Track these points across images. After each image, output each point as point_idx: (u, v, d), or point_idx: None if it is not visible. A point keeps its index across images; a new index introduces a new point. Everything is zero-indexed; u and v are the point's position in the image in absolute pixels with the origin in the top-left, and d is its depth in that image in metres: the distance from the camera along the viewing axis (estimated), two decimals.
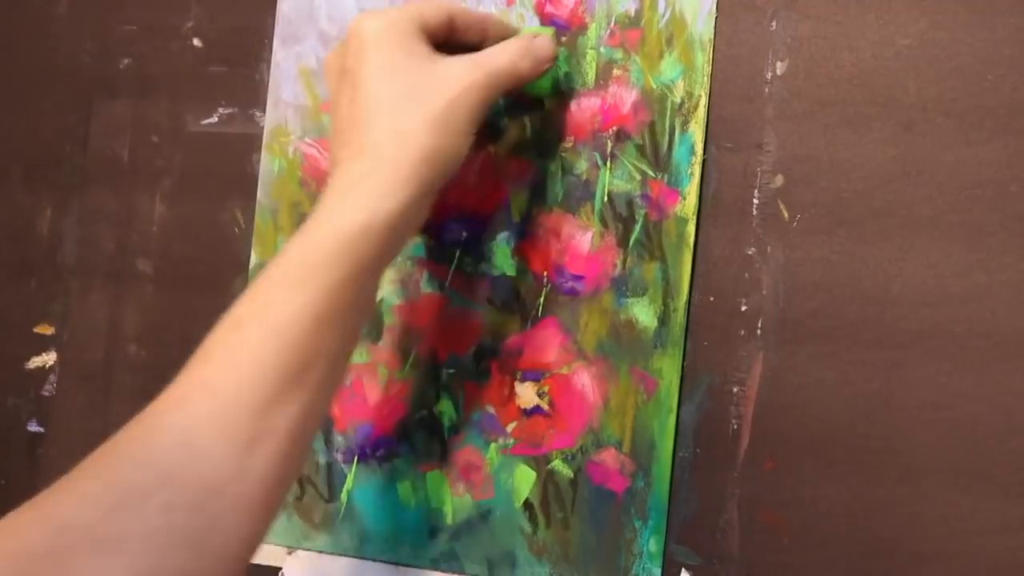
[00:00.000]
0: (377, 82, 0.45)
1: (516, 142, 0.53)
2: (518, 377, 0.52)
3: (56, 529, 0.37)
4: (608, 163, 0.52)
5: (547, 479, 0.52)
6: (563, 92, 0.52)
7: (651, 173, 0.51)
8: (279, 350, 0.41)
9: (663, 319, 0.50)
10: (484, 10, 0.54)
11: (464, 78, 0.45)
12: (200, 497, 0.39)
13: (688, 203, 0.50)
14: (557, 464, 0.51)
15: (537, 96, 0.52)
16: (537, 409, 0.52)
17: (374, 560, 0.54)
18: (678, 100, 0.51)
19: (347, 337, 0.44)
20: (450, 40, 0.48)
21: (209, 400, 0.40)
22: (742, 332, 0.50)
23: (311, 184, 0.56)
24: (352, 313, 0.43)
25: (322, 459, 0.55)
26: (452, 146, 0.45)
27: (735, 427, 0.49)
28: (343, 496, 0.54)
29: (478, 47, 0.48)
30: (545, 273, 0.52)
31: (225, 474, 0.39)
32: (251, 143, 0.58)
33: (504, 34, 0.49)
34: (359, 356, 0.55)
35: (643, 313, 0.51)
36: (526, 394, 0.52)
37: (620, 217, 0.51)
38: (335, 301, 0.42)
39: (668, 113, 0.51)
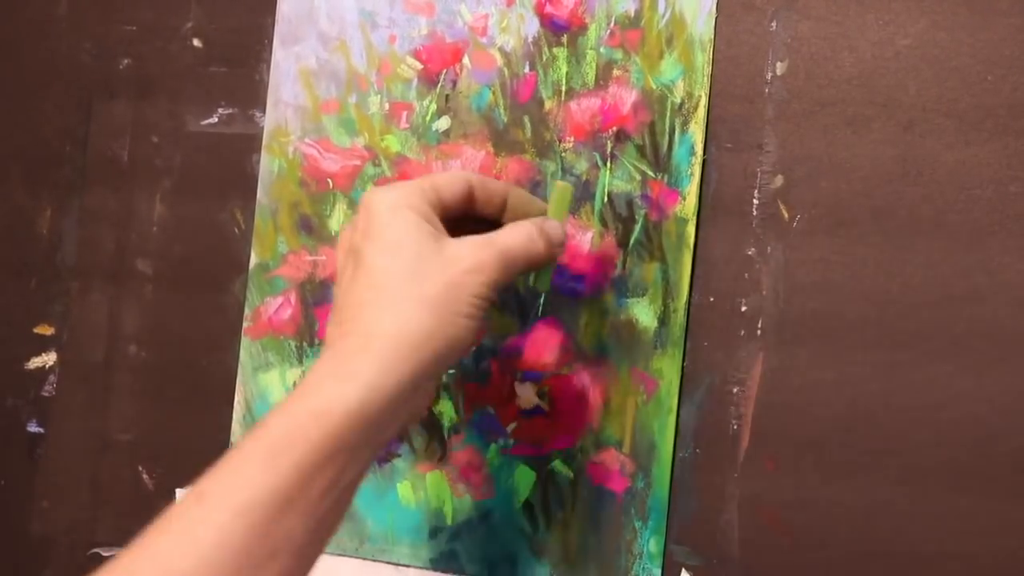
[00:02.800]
0: (379, 260, 0.42)
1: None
2: (518, 377, 0.52)
3: None
4: (608, 163, 0.52)
5: (547, 479, 0.52)
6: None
7: (651, 173, 0.51)
8: (243, 533, 0.37)
9: (663, 319, 0.50)
10: (484, 11, 0.54)
11: (470, 258, 0.43)
12: None
13: (688, 203, 0.50)
14: (557, 464, 0.51)
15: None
16: (537, 409, 0.52)
17: (374, 560, 0.54)
18: (678, 100, 0.51)
19: (320, 527, 0.40)
20: (469, 212, 0.46)
21: None
22: (742, 332, 0.50)
23: (311, 184, 0.56)
24: (327, 500, 0.40)
25: None
26: (452, 329, 0.42)
27: (735, 427, 0.49)
28: (349, 495, 0.54)
29: (498, 221, 0.46)
30: None
31: None
32: (251, 143, 0.58)
33: (526, 208, 0.47)
34: None
35: (643, 313, 0.51)
36: (526, 394, 0.52)
37: (620, 217, 0.51)
38: (309, 484, 0.39)
39: (668, 113, 0.51)
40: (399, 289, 0.42)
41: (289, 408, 0.40)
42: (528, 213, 0.47)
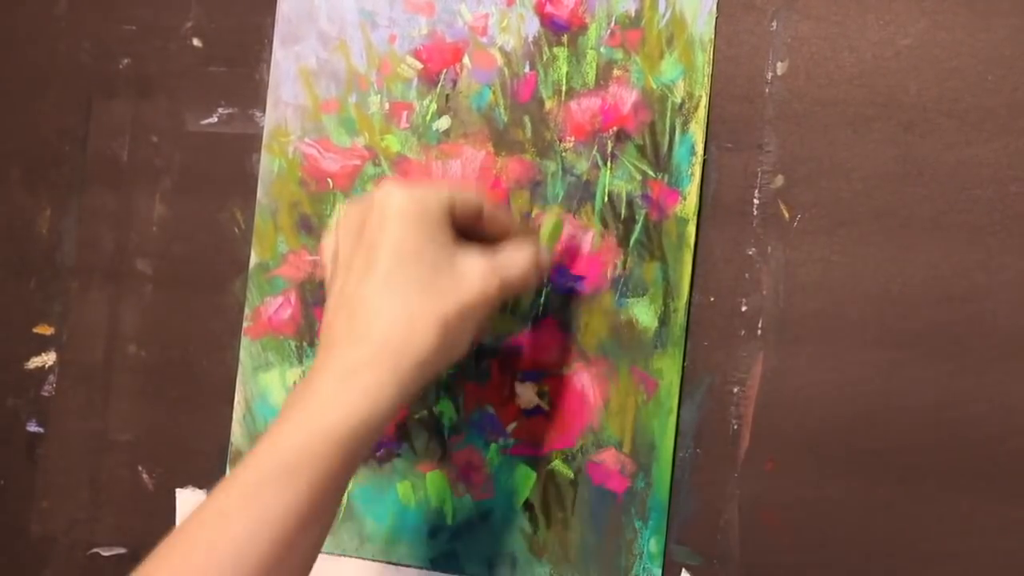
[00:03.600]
0: (396, 263, 0.43)
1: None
2: (518, 377, 0.52)
3: None
4: (608, 163, 0.52)
5: (547, 479, 0.52)
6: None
7: (651, 173, 0.51)
8: (263, 545, 0.39)
9: (663, 319, 0.50)
10: (484, 10, 0.54)
11: (481, 285, 0.44)
12: None
13: (688, 203, 0.50)
14: (557, 464, 0.51)
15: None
16: (537, 409, 0.52)
17: (374, 560, 0.54)
18: (678, 100, 0.51)
19: (326, 528, 0.43)
20: (471, 230, 0.46)
21: None
22: (742, 332, 0.50)
23: (311, 184, 0.56)
24: (334, 505, 0.42)
25: None
26: (455, 351, 0.44)
27: (735, 427, 0.49)
28: (343, 496, 0.54)
29: (493, 240, 0.47)
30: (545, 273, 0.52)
31: None
32: (251, 143, 0.58)
33: (524, 236, 0.48)
34: None
35: (643, 313, 0.51)
36: (526, 394, 0.52)
37: (620, 217, 0.51)
38: (324, 495, 0.41)
39: (668, 113, 0.51)
40: (415, 303, 0.42)
41: (301, 424, 0.41)
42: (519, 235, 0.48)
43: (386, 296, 0.42)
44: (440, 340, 0.42)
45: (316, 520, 0.41)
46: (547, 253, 0.49)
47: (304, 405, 0.42)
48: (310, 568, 0.42)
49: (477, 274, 0.44)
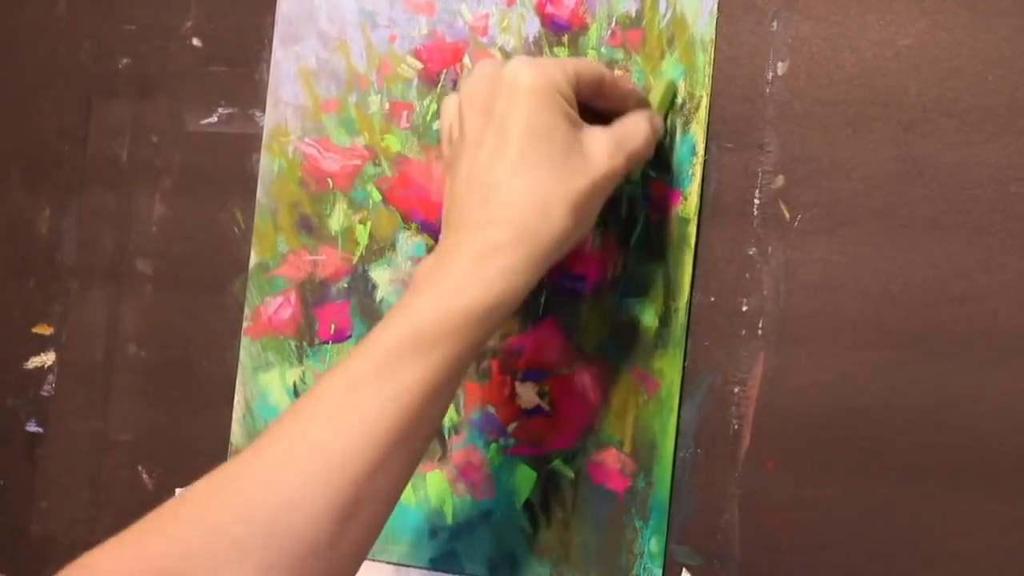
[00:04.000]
0: (529, 143, 0.43)
1: None
2: (519, 377, 0.52)
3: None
4: None
5: (547, 479, 0.52)
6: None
7: (652, 173, 0.51)
8: (395, 418, 0.40)
9: (664, 319, 0.50)
10: (485, 10, 0.54)
11: (608, 162, 0.44)
12: (298, 561, 0.38)
13: (689, 203, 0.50)
14: (557, 464, 0.51)
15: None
16: (538, 409, 0.52)
17: (374, 560, 0.54)
18: (679, 100, 0.51)
19: (446, 406, 0.44)
20: (590, 102, 0.46)
21: (317, 461, 0.39)
22: (743, 332, 0.50)
23: (311, 184, 0.56)
24: (456, 384, 0.43)
25: None
26: (585, 228, 0.45)
27: (736, 427, 0.49)
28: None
29: (609, 113, 0.47)
30: None
31: (324, 538, 0.39)
32: (251, 143, 0.58)
33: (640, 105, 0.48)
34: None
35: (644, 313, 0.51)
36: (527, 394, 0.52)
37: (621, 217, 0.51)
38: (452, 373, 0.41)
39: (669, 114, 0.51)
40: (549, 184, 0.43)
41: (437, 301, 0.41)
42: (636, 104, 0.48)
43: (520, 177, 0.43)
44: (574, 220, 0.43)
45: (445, 396, 0.42)
46: (661, 120, 0.49)
47: (438, 282, 0.42)
48: (428, 446, 0.43)
49: (604, 150, 0.44)
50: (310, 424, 0.40)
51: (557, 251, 0.43)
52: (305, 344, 0.56)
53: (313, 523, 0.39)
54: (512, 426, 0.52)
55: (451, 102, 0.47)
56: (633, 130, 0.46)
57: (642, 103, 0.49)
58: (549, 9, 0.53)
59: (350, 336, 0.55)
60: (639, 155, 0.46)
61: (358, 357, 0.41)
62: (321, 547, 0.39)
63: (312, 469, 0.39)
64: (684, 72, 0.51)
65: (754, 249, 0.50)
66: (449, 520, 0.53)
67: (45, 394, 0.60)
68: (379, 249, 0.55)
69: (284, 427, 0.41)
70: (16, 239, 0.61)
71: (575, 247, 0.45)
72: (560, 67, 0.44)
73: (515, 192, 0.42)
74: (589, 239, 0.50)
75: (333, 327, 0.55)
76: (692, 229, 0.50)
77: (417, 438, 0.41)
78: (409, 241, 0.54)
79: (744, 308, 0.50)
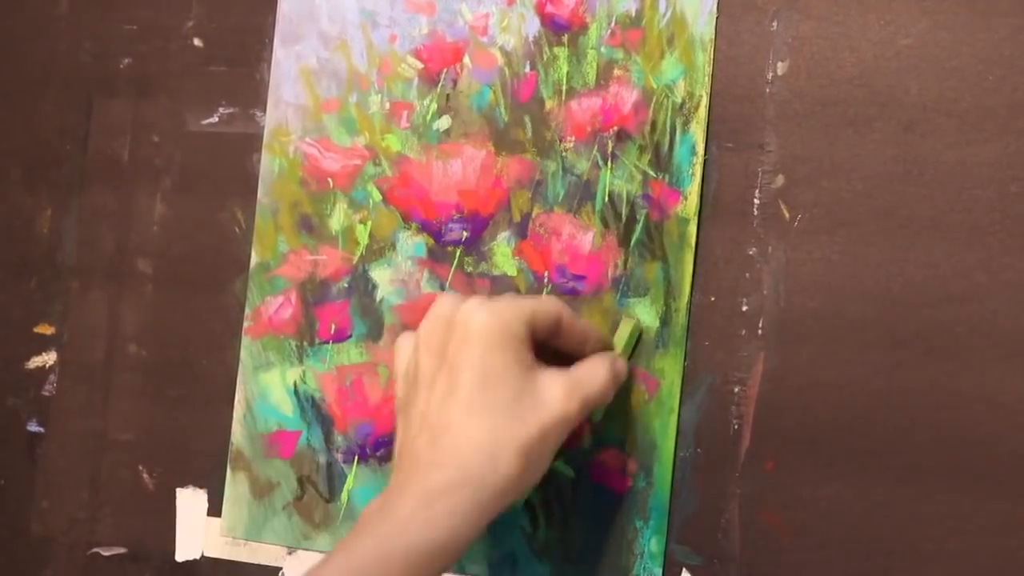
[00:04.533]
0: (479, 386, 0.43)
1: None
2: None
3: None
4: (609, 163, 0.52)
5: (548, 479, 0.51)
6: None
7: (652, 173, 0.51)
8: None
9: (664, 319, 0.50)
10: (485, 10, 0.54)
11: (560, 406, 0.44)
12: None
13: (689, 203, 0.50)
14: (558, 464, 0.51)
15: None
16: None
17: None
18: (679, 100, 0.51)
19: None
20: (549, 342, 0.46)
21: None
22: (743, 332, 0.50)
23: (311, 183, 0.56)
24: None
25: (322, 459, 0.55)
26: (536, 475, 0.44)
27: (736, 427, 0.49)
28: (343, 496, 0.54)
29: (569, 353, 0.47)
30: (546, 273, 0.52)
31: None
32: (251, 143, 0.58)
33: (601, 346, 0.48)
34: (359, 356, 0.55)
35: (644, 313, 0.51)
36: None
37: (621, 217, 0.51)
38: None
39: (669, 113, 0.51)
40: (499, 428, 0.43)
41: (379, 542, 0.41)
42: (596, 345, 0.48)
43: (469, 421, 0.43)
44: (522, 465, 0.43)
45: None
46: (624, 363, 0.49)
47: (381, 523, 0.42)
48: None
49: (559, 395, 0.44)
50: None
51: (504, 497, 0.43)
52: (305, 344, 0.56)
53: None
54: None
55: (407, 341, 0.47)
56: (591, 374, 0.46)
57: (604, 344, 0.48)
58: (549, 9, 0.53)
59: (350, 336, 0.55)
60: (596, 400, 0.46)
61: None
62: None
63: None
64: (684, 71, 0.51)
65: (754, 249, 0.50)
66: None
67: (46, 394, 0.60)
68: (379, 249, 0.55)
69: None
70: (16, 239, 0.61)
71: (526, 492, 0.45)
72: (516, 308, 0.44)
73: (463, 435, 0.42)
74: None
75: (333, 327, 0.55)
76: (692, 229, 0.50)
77: None
78: (409, 241, 0.54)
79: (744, 308, 0.50)
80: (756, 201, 0.50)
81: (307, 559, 0.55)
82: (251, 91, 0.58)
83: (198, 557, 0.57)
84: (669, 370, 0.50)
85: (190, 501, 0.57)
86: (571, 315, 0.47)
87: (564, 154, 0.52)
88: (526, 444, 0.43)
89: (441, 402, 0.43)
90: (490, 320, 0.44)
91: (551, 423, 0.43)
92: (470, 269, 0.53)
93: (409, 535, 0.41)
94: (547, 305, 0.46)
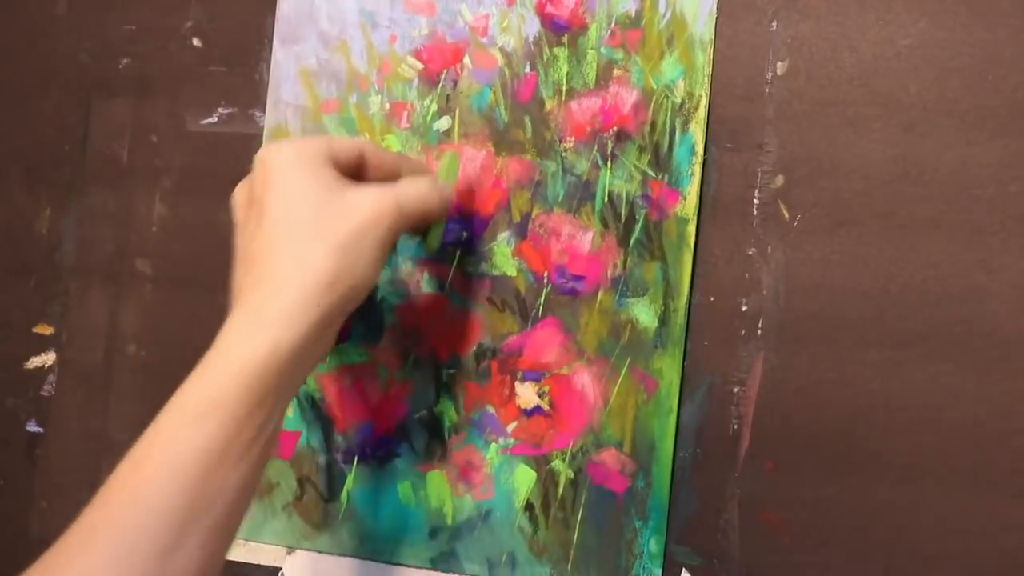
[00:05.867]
0: (282, 208, 0.44)
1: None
2: (518, 377, 0.52)
3: None
4: (608, 163, 0.52)
5: (547, 479, 0.52)
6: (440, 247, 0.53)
7: (652, 173, 0.51)
8: (182, 490, 0.40)
9: (663, 319, 0.50)
10: (485, 11, 0.54)
11: (372, 205, 0.44)
12: None
13: (689, 203, 0.50)
14: (557, 464, 0.51)
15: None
16: (537, 409, 0.52)
17: (374, 560, 0.54)
18: (678, 100, 0.51)
19: (252, 471, 0.42)
20: (361, 177, 0.48)
21: (111, 544, 0.39)
22: (742, 332, 0.50)
23: None
24: (257, 446, 0.42)
25: (322, 459, 0.55)
26: (356, 273, 0.44)
27: (735, 427, 0.49)
28: (343, 496, 0.54)
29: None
30: (545, 273, 0.52)
31: None
32: (251, 143, 0.58)
33: (417, 174, 0.49)
34: (359, 356, 0.55)
35: (643, 313, 0.51)
36: (526, 394, 0.52)
37: (620, 217, 0.51)
38: (240, 435, 0.41)
39: (668, 113, 0.51)
40: (305, 236, 0.43)
41: (210, 366, 0.42)
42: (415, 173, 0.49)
43: (278, 239, 0.44)
44: (335, 262, 0.43)
45: (239, 458, 0.41)
46: (447, 183, 0.50)
47: (213, 349, 0.43)
48: (243, 515, 0.43)
49: (369, 198, 0.45)
50: (103, 507, 0.41)
51: (328, 293, 0.43)
52: None
53: None
54: (512, 426, 0.52)
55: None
56: (407, 183, 0.47)
57: (420, 169, 0.50)
58: (549, 9, 0.53)
59: (349, 336, 0.55)
60: (414, 206, 0.46)
61: (143, 435, 0.42)
62: None
63: (106, 553, 0.39)
64: (684, 72, 0.51)
65: (754, 249, 0.50)
66: (449, 520, 0.53)
67: (45, 394, 0.60)
68: None
69: (84, 512, 0.41)
70: (16, 239, 0.61)
71: (359, 289, 0.45)
72: (311, 140, 0.46)
73: (272, 254, 0.43)
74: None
75: None
76: (692, 229, 0.50)
77: (216, 509, 0.41)
78: (409, 241, 0.54)
79: (744, 308, 0.50)
80: (756, 201, 0.50)
81: (307, 559, 0.55)
82: (250, 91, 0.58)
83: None
84: (668, 370, 0.50)
85: None
86: (377, 147, 0.48)
87: (564, 154, 0.52)
88: (334, 241, 0.43)
89: (251, 236, 0.45)
90: (285, 151, 0.45)
91: (362, 220, 0.44)
92: (470, 269, 0.53)
93: (234, 351, 0.42)
94: (346, 139, 0.48)
